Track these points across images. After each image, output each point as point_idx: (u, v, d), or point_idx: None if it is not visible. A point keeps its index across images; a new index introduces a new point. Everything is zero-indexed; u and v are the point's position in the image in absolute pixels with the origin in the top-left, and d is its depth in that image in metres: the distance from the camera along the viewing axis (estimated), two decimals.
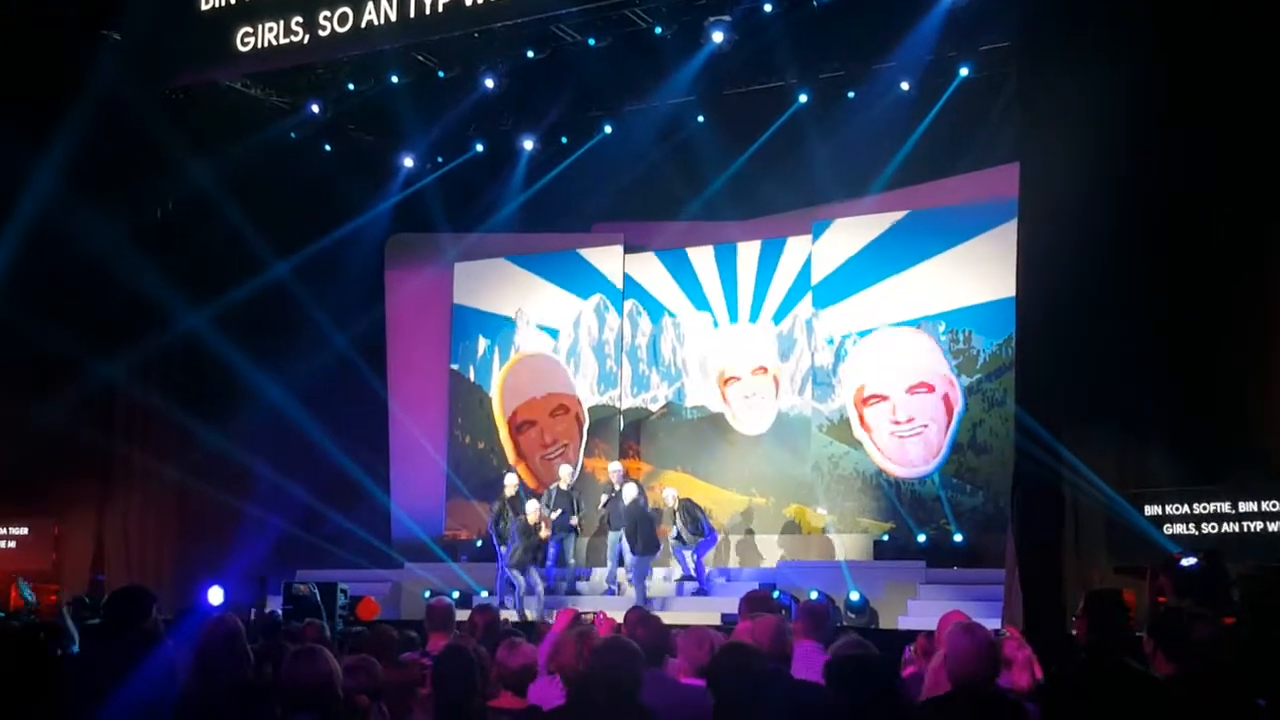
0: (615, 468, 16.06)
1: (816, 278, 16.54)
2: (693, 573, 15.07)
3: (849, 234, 16.35)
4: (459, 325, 18.81)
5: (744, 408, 17.13)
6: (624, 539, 15.04)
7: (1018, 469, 11.42)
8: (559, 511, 15.48)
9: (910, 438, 15.74)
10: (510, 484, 15.99)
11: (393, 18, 14.32)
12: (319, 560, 16.21)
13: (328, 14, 14.63)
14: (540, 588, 14.81)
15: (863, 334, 16.19)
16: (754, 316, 17.16)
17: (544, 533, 14.99)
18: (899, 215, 16.03)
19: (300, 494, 15.87)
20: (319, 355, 16.40)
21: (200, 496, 15.64)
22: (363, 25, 14.51)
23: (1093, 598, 5.50)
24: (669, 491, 15.57)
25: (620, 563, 15.32)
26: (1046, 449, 10.90)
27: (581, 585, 15.81)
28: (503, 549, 15.26)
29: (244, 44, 15.06)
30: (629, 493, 15.03)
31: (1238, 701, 5.01)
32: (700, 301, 17.48)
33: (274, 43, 14.95)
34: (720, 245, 17.33)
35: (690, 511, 15.10)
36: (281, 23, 14.90)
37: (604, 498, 15.71)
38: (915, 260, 15.87)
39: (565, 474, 16.09)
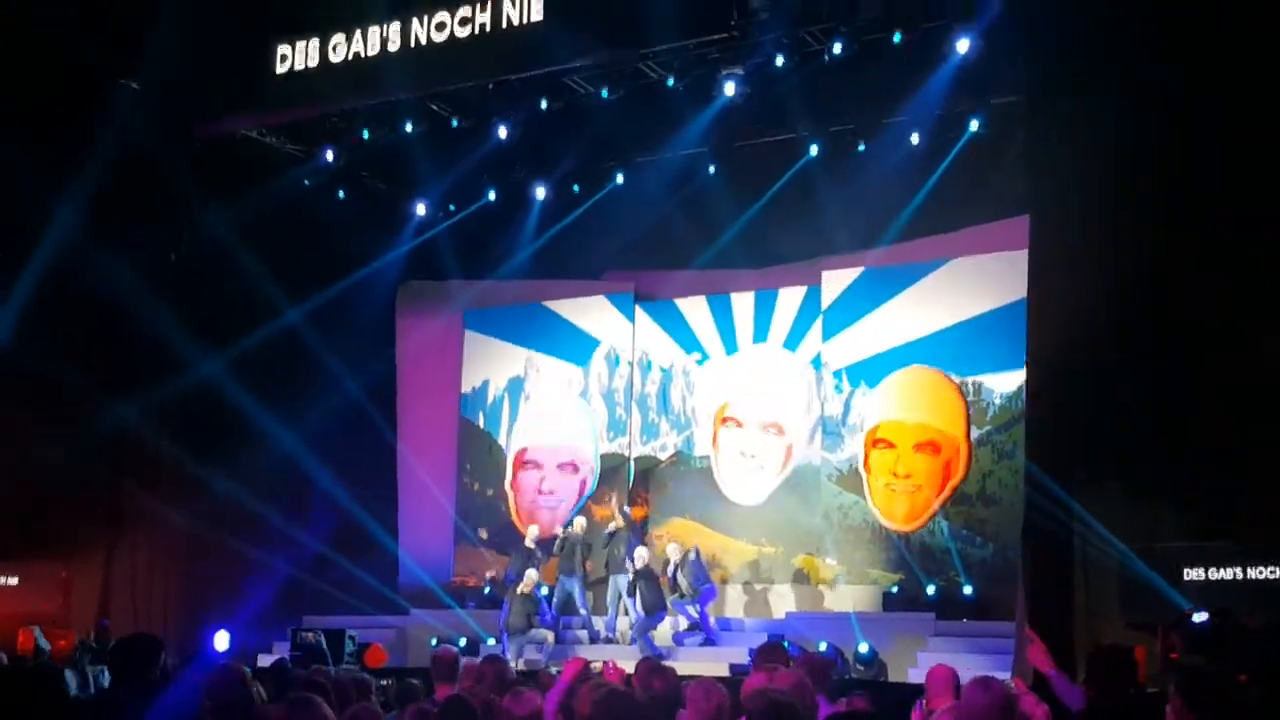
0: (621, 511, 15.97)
1: (829, 326, 16.51)
2: (698, 622, 14.97)
3: (861, 286, 16.34)
4: (469, 372, 18.83)
5: (735, 468, 17.00)
6: (629, 594, 14.97)
7: (1028, 521, 11.38)
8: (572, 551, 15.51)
9: (900, 494, 15.74)
10: (530, 535, 16.05)
11: (408, 68, 14.45)
12: (326, 606, 16.17)
13: (343, 63, 14.77)
14: (550, 639, 14.79)
15: (880, 374, 16.14)
16: (765, 365, 17.13)
17: (537, 588, 15.03)
18: (913, 267, 15.98)
19: (308, 540, 15.87)
20: (329, 401, 16.42)
21: (208, 541, 15.63)
22: (376, 75, 14.65)
23: (1096, 656, 5.43)
24: (673, 547, 15.50)
25: (625, 612, 15.26)
26: (1057, 502, 10.86)
27: (581, 634, 15.70)
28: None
29: (263, 92, 15.20)
30: (640, 557, 14.96)
31: None
32: (710, 350, 17.48)
33: (292, 91, 15.09)
34: (730, 294, 17.35)
35: (696, 566, 15.04)
36: (299, 72, 15.04)
37: (606, 537, 15.59)
38: (927, 314, 15.85)
39: (539, 529, 16.24)
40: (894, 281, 16.15)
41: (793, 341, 17.01)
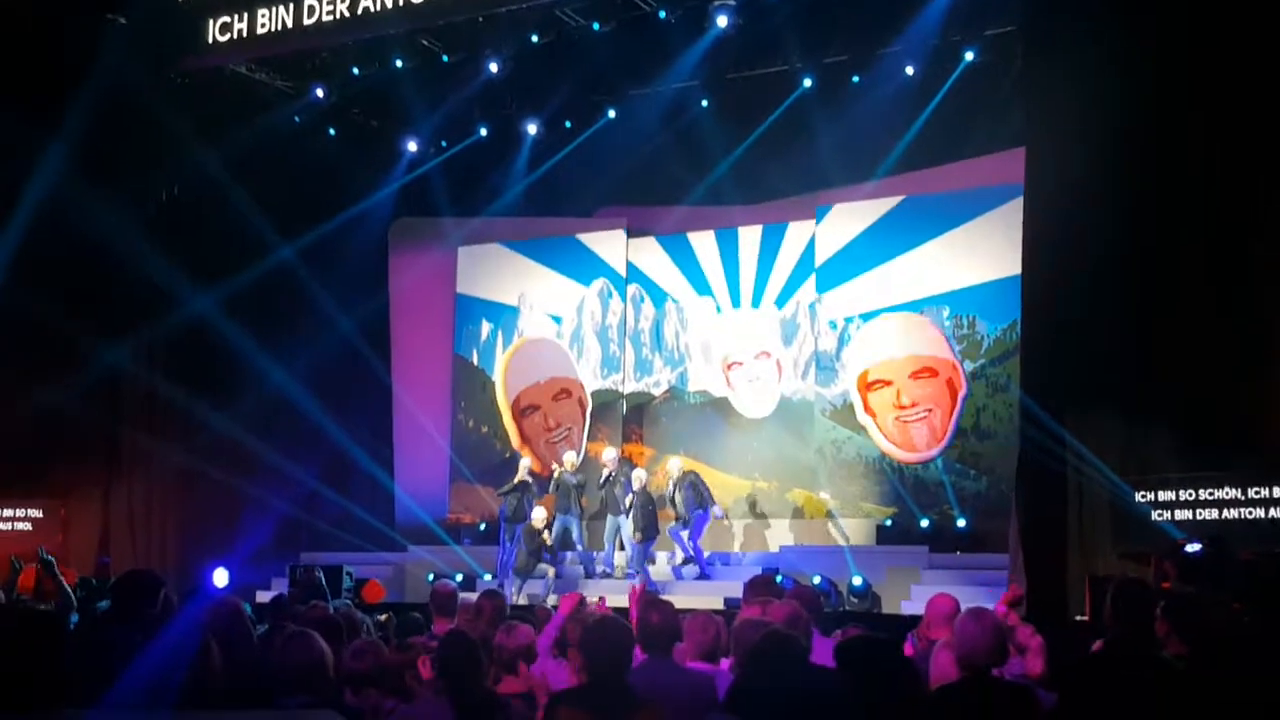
0: (610, 454, 15.92)
1: (820, 262, 16.48)
2: (691, 554, 15.03)
3: (852, 218, 16.29)
4: (462, 310, 18.78)
5: (747, 391, 17.10)
6: (625, 524, 15.03)
7: (1022, 454, 11.41)
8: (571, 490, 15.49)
9: (915, 422, 15.70)
10: (524, 468, 15.95)
11: (396, 3, 14.27)
12: (324, 543, 16.26)
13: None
14: (550, 574, 14.86)
15: (866, 318, 16.15)
16: (756, 301, 17.12)
17: (546, 536, 15.03)
18: (905, 200, 15.96)
19: (305, 477, 15.89)
20: (323, 339, 16.39)
21: (205, 480, 15.66)
22: (365, 10, 14.47)
23: (1122, 586, 5.44)
24: (674, 462, 15.44)
25: (621, 547, 15.32)
26: (1051, 435, 10.89)
27: (579, 569, 15.75)
28: (509, 540, 15.32)
29: (249, 28, 15.02)
30: (638, 478, 15.00)
31: (1248, 683, 4.98)
32: (703, 286, 17.44)
33: (278, 28, 14.91)
34: (723, 230, 17.28)
35: (697, 487, 15.04)
36: (284, 8, 14.85)
37: (602, 482, 15.59)
38: (918, 243, 15.81)
39: (569, 459, 16.01)
40: (889, 216, 16.07)
41: (783, 276, 16.95)
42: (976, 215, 15.38)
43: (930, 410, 15.62)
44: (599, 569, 15.46)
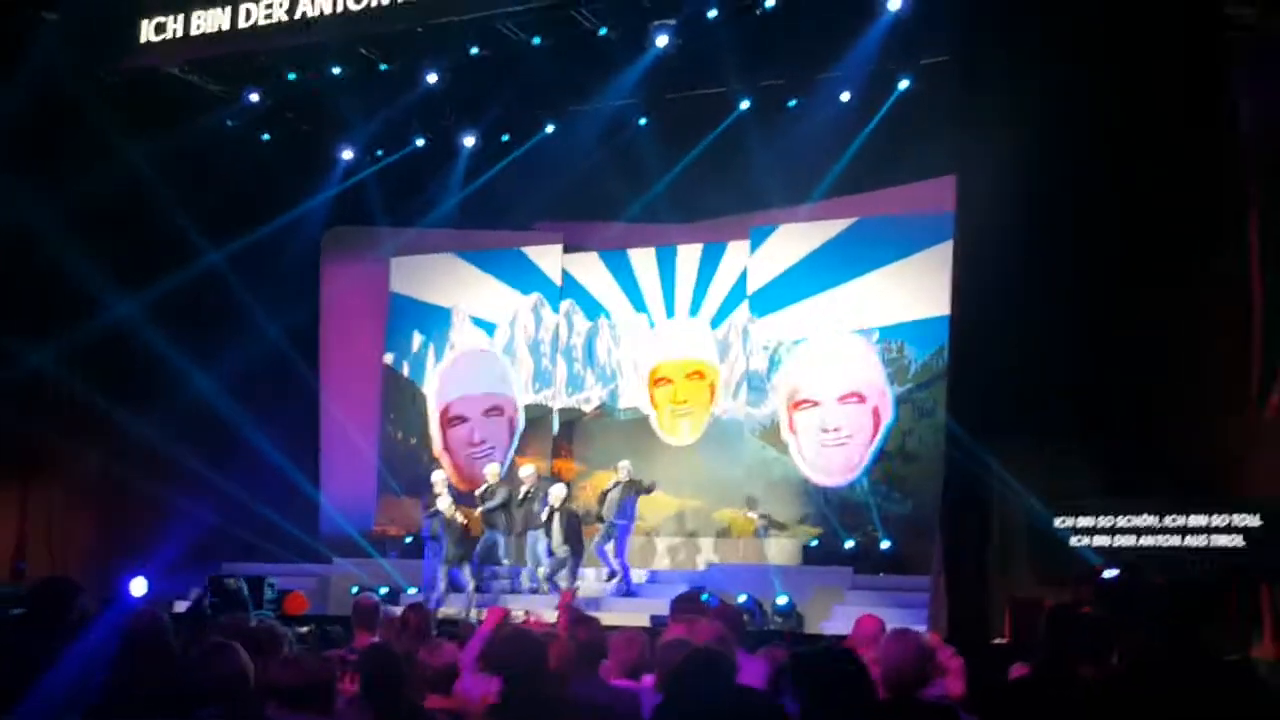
0: (528, 470, 15.69)
1: (754, 284, 16.62)
2: (616, 569, 14.97)
3: (787, 242, 16.44)
4: (394, 320, 18.67)
5: (670, 415, 17.12)
6: (544, 539, 14.89)
7: (948, 478, 11.55)
8: (496, 503, 15.31)
9: (834, 447, 15.88)
10: (438, 480, 15.77)
11: (334, 9, 14.19)
12: (246, 553, 16.02)
13: (269, 3, 14.46)
14: (470, 585, 14.75)
15: (799, 341, 16.28)
16: (691, 318, 17.18)
17: (475, 531, 14.94)
18: (839, 225, 16.12)
19: (228, 486, 15.64)
20: (251, 347, 16.17)
21: (125, 486, 15.38)
22: (302, 16, 14.36)
23: (1055, 611, 5.57)
24: (625, 464, 15.34)
25: (539, 563, 15.17)
26: (975, 459, 11.03)
27: (504, 582, 15.67)
28: (435, 544, 15.16)
29: (184, 29, 14.85)
30: (556, 495, 14.89)
31: (1163, 703, 5.08)
32: (637, 303, 17.49)
33: (214, 30, 14.76)
34: (659, 248, 17.35)
35: (630, 501, 14.97)
36: (221, 10, 14.71)
37: (521, 498, 15.44)
38: (852, 272, 15.99)
39: (491, 473, 15.87)
40: (820, 239, 16.23)
41: (718, 296, 17.06)
42: (912, 247, 15.54)
43: (850, 437, 15.80)
44: (525, 585, 15.39)
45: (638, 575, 15.39)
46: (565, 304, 17.79)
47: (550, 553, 14.70)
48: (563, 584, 14.35)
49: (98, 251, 14.68)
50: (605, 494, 15.15)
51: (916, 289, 15.42)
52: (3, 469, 15.96)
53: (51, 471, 15.99)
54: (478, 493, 15.58)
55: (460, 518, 14.98)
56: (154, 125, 15.21)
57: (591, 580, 15.43)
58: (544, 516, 14.81)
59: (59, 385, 15.67)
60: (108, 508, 15.92)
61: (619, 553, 14.98)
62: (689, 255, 17.25)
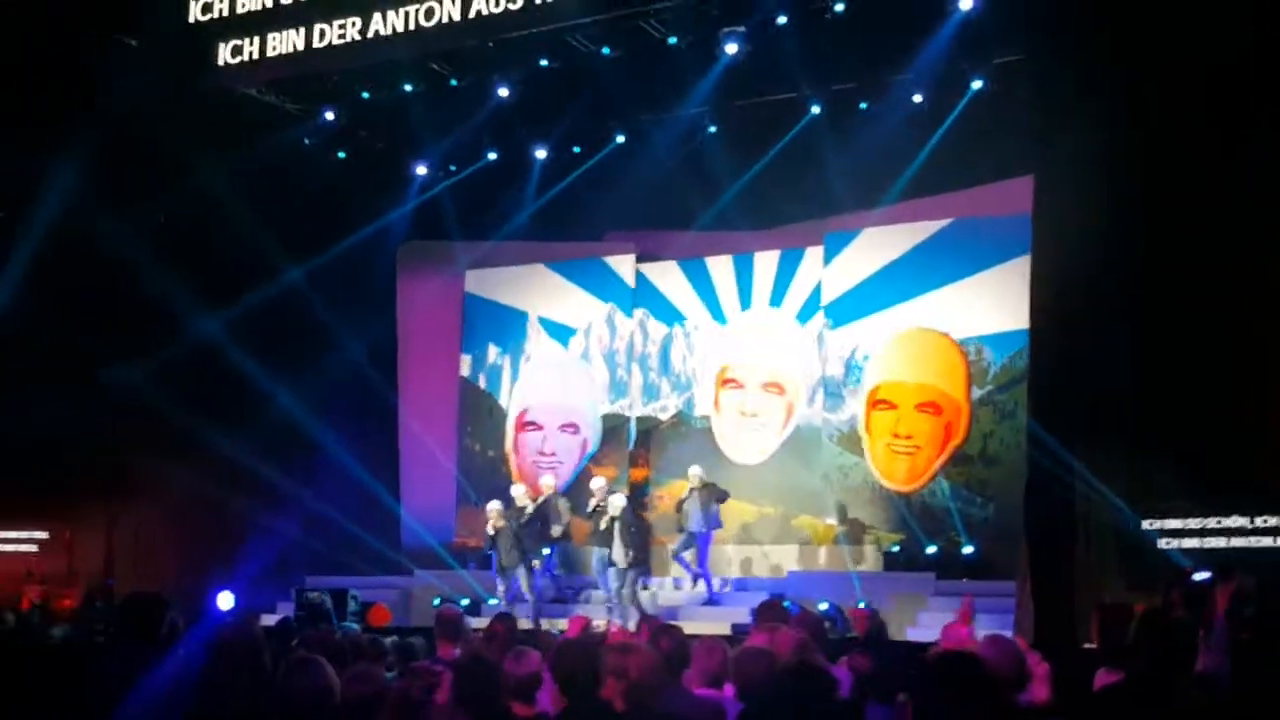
0: (599, 483, 15.53)
1: (830, 292, 16.48)
2: (698, 573, 14.88)
3: (864, 251, 16.27)
4: (470, 333, 18.81)
5: (737, 427, 17.01)
6: (605, 554, 14.68)
7: (1030, 482, 11.41)
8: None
9: (902, 454, 15.76)
10: (517, 494, 15.89)
11: (406, 27, 14.34)
12: (330, 567, 16.22)
13: (341, 23, 14.66)
14: (529, 596, 14.85)
15: (881, 337, 16.09)
16: (765, 326, 17.11)
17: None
18: (916, 233, 15.84)
19: (311, 500, 15.88)
20: (330, 363, 16.41)
21: (211, 503, 15.65)
22: (374, 34, 14.55)
23: (1149, 616, 5.44)
24: (695, 469, 15.31)
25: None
26: (1059, 462, 10.89)
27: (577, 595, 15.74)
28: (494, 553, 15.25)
29: (259, 51, 15.10)
30: (616, 503, 14.64)
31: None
32: (714, 310, 17.45)
33: (288, 50, 14.99)
34: (736, 255, 17.31)
35: (711, 502, 14.94)
36: (295, 31, 14.94)
37: (590, 510, 15.30)
38: (930, 283, 15.78)
39: (546, 485, 16.00)
40: (896, 242, 16.09)
41: (794, 302, 16.99)
42: (993, 260, 15.27)
43: (919, 448, 15.66)
44: (596, 597, 15.34)
45: (717, 584, 15.36)
46: (639, 313, 17.82)
47: (610, 563, 14.56)
48: (625, 597, 14.26)
49: (180, 272, 14.98)
50: (681, 503, 15.15)
51: (997, 301, 15.19)
52: (91, 488, 16.31)
53: (138, 489, 16.30)
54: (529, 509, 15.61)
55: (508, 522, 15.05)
56: (233, 146, 15.51)
57: (669, 590, 15.43)
58: (602, 526, 14.74)
59: (146, 404, 15.98)
60: (194, 524, 16.23)
61: (701, 561, 14.95)
62: (762, 262, 17.18)
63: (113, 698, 5.12)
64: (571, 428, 17.98)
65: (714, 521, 15.03)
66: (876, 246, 16.21)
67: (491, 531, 15.12)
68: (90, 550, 16.41)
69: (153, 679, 5.26)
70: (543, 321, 18.33)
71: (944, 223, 15.77)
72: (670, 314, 17.71)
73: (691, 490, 15.09)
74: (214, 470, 15.41)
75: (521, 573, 14.92)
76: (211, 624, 6.46)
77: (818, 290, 16.68)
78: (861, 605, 12.95)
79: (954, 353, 15.65)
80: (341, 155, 17.16)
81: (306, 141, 16.55)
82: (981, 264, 15.43)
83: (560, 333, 18.24)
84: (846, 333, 16.34)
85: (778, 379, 16.94)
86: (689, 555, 14.99)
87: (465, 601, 14.52)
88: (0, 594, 14.96)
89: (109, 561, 16.34)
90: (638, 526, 14.89)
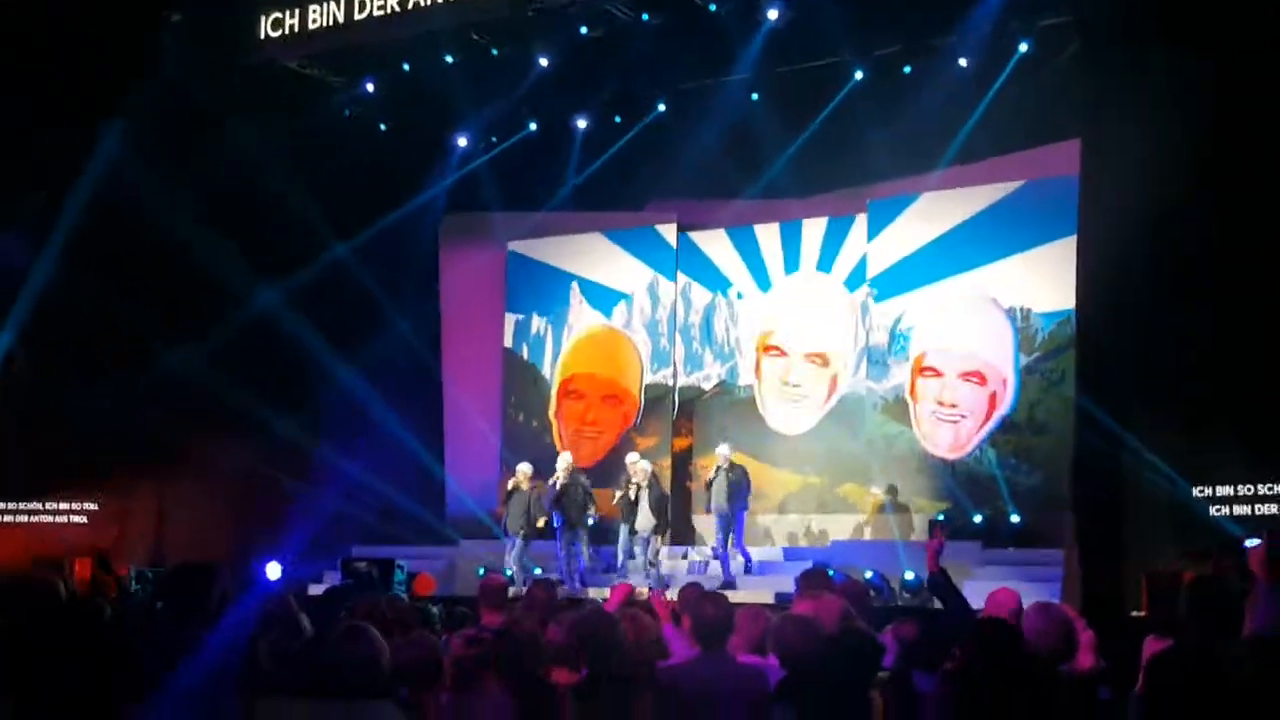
0: (632, 458, 15.49)
1: (875, 260, 16.35)
2: (729, 553, 14.68)
3: (911, 219, 16.12)
4: (512, 304, 18.85)
5: (779, 399, 16.97)
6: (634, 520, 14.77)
7: (1077, 449, 11.34)
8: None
9: (946, 423, 15.65)
10: (564, 464, 15.82)
11: None
12: (376, 537, 16.38)
13: None
14: (566, 563, 14.92)
15: (927, 304, 15.97)
16: (811, 292, 17.03)
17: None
18: (964, 205, 15.66)
19: (359, 472, 16.01)
20: (377, 337, 16.52)
21: (260, 476, 15.84)
22: (414, 5, 14.57)
23: (1199, 583, 5.39)
24: (723, 449, 15.15)
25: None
26: (1107, 430, 10.83)
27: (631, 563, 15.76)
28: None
29: (300, 24, 15.18)
30: (642, 469, 14.80)
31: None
32: (753, 280, 17.39)
33: (329, 23, 15.06)
34: (776, 224, 17.20)
35: (743, 480, 14.87)
36: (335, 3, 15.00)
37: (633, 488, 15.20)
38: (978, 257, 15.63)
39: (642, 468, 15.62)
40: (942, 208, 15.95)
41: (839, 271, 16.87)
42: (1038, 220, 15.09)
43: (963, 417, 15.54)
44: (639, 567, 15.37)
45: (761, 553, 15.37)
46: (681, 281, 17.78)
47: (634, 531, 14.63)
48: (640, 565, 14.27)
49: (230, 247, 15.12)
50: (710, 484, 14.90)
51: (1044, 268, 14.97)
52: (143, 462, 16.52)
53: (190, 464, 16.51)
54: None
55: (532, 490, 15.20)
56: (276, 119, 15.60)
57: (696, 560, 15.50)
58: (633, 496, 14.74)
59: (198, 378, 16.16)
60: (244, 497, 16.41)
61: (737, 541, 14.81)
62: (814, 229, 17.03)
63: (165, 667, 5.20)
64: (614, 399, 18.01)
65: (743, 502, 14.85)
66: (923, 212, 16.05)
67: (510, 487, 15.25)
68: (142, 522, 16.63)
69: (204, 648, 5.34)
70: (584, 288, 18.31)
71: (991, 187, 15.58)
72: (715, 280, 17.63)
73: (719, 469, 14.85)
74: (262, 445, 15.63)
75: (518, 543, 15.01)
76: (258, 593, 6.55)
77: (861, 259, 16.56)
78: (869, 574, 12.81)
79: (1000, 319, 15.50)
80: (383, 127, 17.20)
81: (348, 113, 16.61)
82: (1028, 228, 15.25)
83: (603, 301, 18.22)
84: (893, 303, 16.23)
85: (821, 349, 16.85)
86: (725, 538, 14.75)
87: (510, 571, 14.60)
88: (52, 564, 15.19)
89: (159, 534, 16.56)
90: (663, 493, 14.87)
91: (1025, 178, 15.21)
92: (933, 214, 15.96)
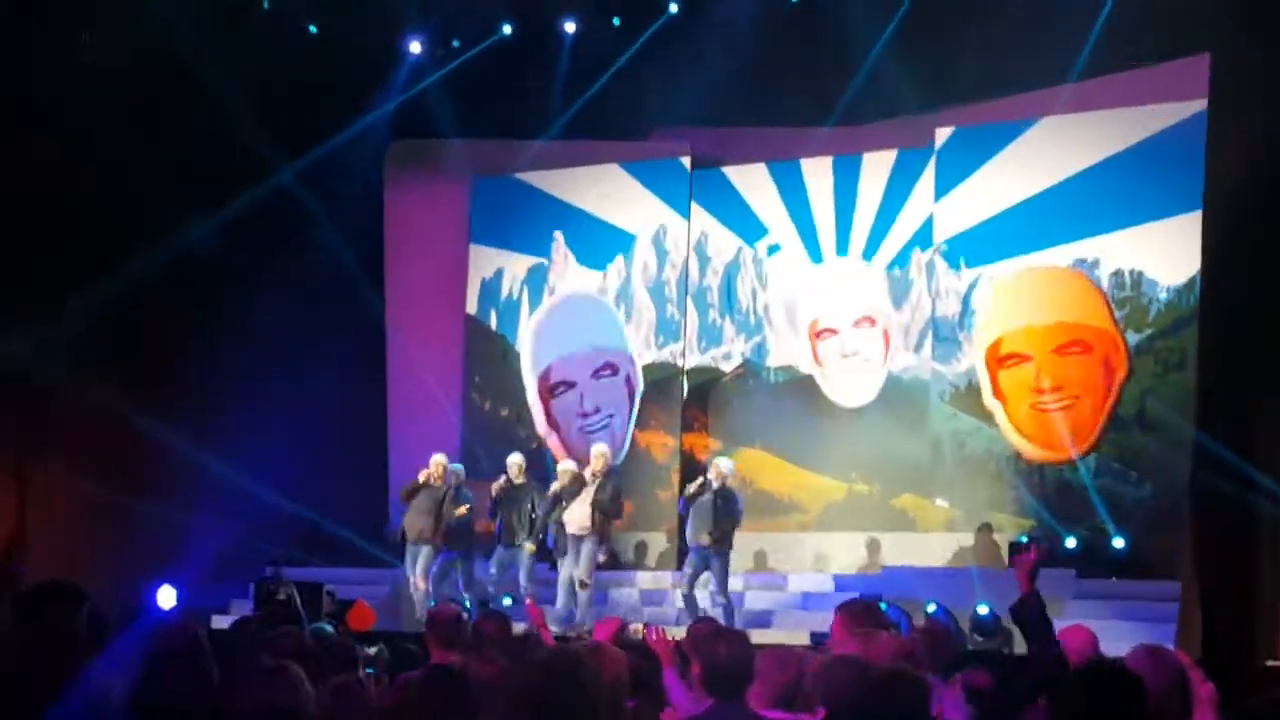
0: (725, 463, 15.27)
1: (941, 200, 16.30)
2: (709, 609, 14.50)
3: (983, 145, 16.10)
4: (478, 259, 18.79)
5: (839, 370, 17.03)
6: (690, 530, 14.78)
7: (1199, 453, 11.33)
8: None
9: (1056, 411, 15.56)
10: (514, 463, 15.80)
11: None
12: (300, 555, 16.29)
13: None
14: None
15: (998, 267, 15.96)
16: (858, 250, 17.01)
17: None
18: (1060, 146, 15.67)
19: (281, 474, 15.86)
20: (312, 282, 16.46)
21: (151, 460, 15.75)
22: None
23: None
24: (727, 464, 14.97)
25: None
26: (1236, 429, 10.80)
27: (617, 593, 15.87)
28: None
29: None
30: (725, 466, 14.79)
31: None
32: (788, 232, 17.36)
33: None
34: (812, 159, 17.17)
35: (734, 503, 14.72)
36: None
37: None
38: (1070, 179, 15.60)
39: (599, 454, 15.47)
40: (1022, 142, 15.91)
41: (888, 220, 16.84)
42: (1148, 141, 15.10)
43: (1077, 398, 15.45)
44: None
45: (803, 581, 15.43)
46: (695, 234, 17.74)
47: (696, 543, 14.44)
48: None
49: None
50: (689, 503, 14.56)
51: (1160, 204, 14.95)
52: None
53: (59, 440, 16.46)
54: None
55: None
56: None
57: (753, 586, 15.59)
58: (704, 495, 14.46)
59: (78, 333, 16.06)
60: (129, 491, 16.18)
61: (720, 583, 14.48)
62: (850, 169, 16.95)
63: (27, 712, 5.18)
64: (609, 368, 17.94)
65: (727, 538, 14.62)
66: (996, 146, 15.98)
67: (504, 482, 15.35)
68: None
69: (69, 697, 5.31)
70: (570, 239, 18.25)
71: (1088, 114, 15.52)
72: (736, 236, 17.60)
73: (706, 485, 14.52)
74: (148, 427, 15.47)
75: (525, 557, 15.14)
76: (147, 626, 6.52)
77: (918, 204, 16.50)
78: (931, 608, 12.77)
79: (1085, 285, 15.45)
80: (313, 29, 17.14)
81: (266, 5, 16.55)
82: (1139, 168, 15.17)
83: (593, 256, 18.15)
84: (959, 257, 16.20)
85: (868, 313, 16.93)
86: (701, 585, 14.59)
87: (508, 601, 14.58)
88: None
89: (18, 533, 16.47)
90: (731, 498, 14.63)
91: (1136, 102, 15.15)
92: (1013, 145, 15.91)
